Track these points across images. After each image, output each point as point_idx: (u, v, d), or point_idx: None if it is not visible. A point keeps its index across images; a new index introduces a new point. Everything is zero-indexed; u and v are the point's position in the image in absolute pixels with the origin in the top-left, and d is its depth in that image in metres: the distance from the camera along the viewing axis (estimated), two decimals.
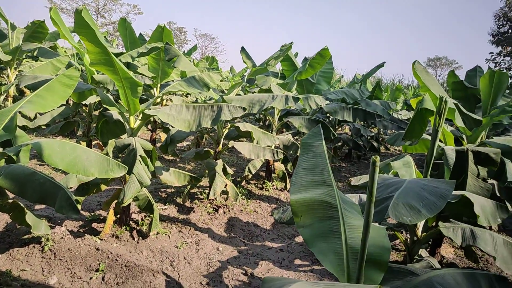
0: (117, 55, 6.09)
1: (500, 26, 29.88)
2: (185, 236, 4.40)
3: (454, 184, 2.25)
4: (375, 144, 10.58)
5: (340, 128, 14.02)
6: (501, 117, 4.98)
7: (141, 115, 4.11)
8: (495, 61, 28.60)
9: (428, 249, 4.18)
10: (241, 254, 4.20)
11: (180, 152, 8.98)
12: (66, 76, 3.48)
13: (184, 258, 3.93)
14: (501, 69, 26.96)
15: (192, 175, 4.61)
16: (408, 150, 4.89)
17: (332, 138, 7.43)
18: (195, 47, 11.53)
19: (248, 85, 9.59)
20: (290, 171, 7.75)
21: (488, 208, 2.91)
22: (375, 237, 1.76)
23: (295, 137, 10.47)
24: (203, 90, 4.56)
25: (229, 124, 5.60)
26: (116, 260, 3.57)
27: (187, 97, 9.73)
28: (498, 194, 5.07)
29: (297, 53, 9.33)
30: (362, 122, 12.10)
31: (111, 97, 4.14)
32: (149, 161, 3.82)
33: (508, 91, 7.06)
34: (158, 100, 7.05)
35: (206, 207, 5.35)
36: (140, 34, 10.14)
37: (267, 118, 9.34)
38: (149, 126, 8.02)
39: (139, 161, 3.66)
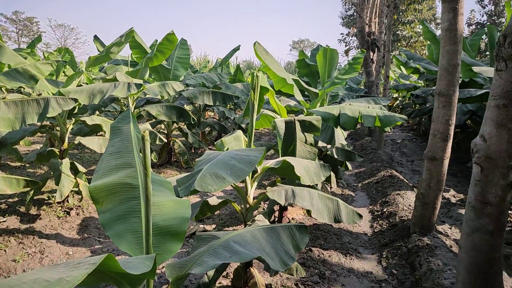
0: None
1: (347, 10, 33.66)
2: (26, 247, 3.96)
3: (263, 150, 2.46)
4: (243, 125, 11.04)
5: (212, 113, 14.26)
6: (331, 89, 5.63)
7: None
8: (346, 41, 32.24)
9: (276, 214, 4.57)
10: (95, 253, 3.98)
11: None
12: None
13: (24, 271, 3.55)
14: (351, 47, 30.60)
15: (28, 179, 4.14)
16: (255, 126, 5.20)
17: (192, 123, 7.49)
18: (39, 38, 10.24)
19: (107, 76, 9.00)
20: (155, 160, 7.59)
21: (312, 169, 3.27)
22: (177, 210, 1.82)
23: (158, 126, 10.23)
24: (30, 83, 4.09)
25: (73, 119, 5.17)
26: None
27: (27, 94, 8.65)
28: (336, 156, 5.79)
29: (156, 41, 9.04)
30: (230, 105, 12.52)
31: None
32: None
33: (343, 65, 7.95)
34: None
35: (56, 211, 4.89)
36: None
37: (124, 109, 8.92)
38: None
39: None
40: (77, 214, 4.86)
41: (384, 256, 4.16)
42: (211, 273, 2.79)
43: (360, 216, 3.10)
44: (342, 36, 32.52)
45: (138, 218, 1.73)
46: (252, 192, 3.03)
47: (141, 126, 6.25)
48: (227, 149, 3.37)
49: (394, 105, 17.30)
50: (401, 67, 13.32)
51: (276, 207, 4.76)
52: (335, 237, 4.63)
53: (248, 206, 2.99)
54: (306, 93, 6.52)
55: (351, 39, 31.76)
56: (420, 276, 3.47)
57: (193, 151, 9.55)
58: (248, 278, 3.00)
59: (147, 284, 1.57)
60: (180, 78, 7.91)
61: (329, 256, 4.11)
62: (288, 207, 5.23)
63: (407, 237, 4.28)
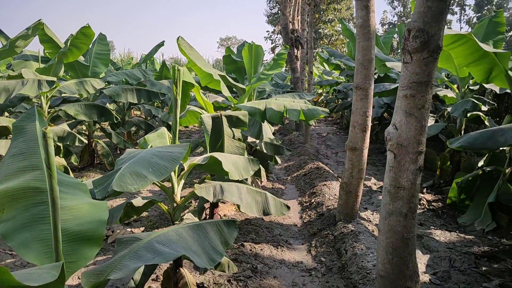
0: None
1: (272, 8, 34.40)
2: None
3: (187, 147, 2.39)
4: (170, 122, 10.74)
5: (139, 112, 13.68)
6: (257, 84, 5.69)
7: None
8: (272, 38, 32.93)
9: (207, 212, 4.51)
10: None
11: None
12: None
13: None
14: (277, 44, 31.37)
15: None
16: (183, 123, 5.07)
17: (116, 122, 7.11)
18: None
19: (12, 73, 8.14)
20: (76, 164, 7.09)
21: (240, 163, 3.26)
22: (92, 213, 1.69)
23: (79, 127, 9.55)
24: None
25: None
26: None
27: None
28: (265, 151, 5.87)
29: (71, 35, 8.38)
30: (157, 103, 12.11)
31: None
32: None
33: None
34: None
35: None
36: None
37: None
38: None
39: None
40: None
41: (313, 245, 4.32)
42: (137, 277, 2.66)
43: (288, 207, 3.17)
44: (268, 34, 33.19)
45: (48, 225, 1.57)
46: (179, 190, 2.94)
47: (56, 128, 5.77)
48: (151, 147, 3.24)
49: (319, 100, 18.10)
50: (324, 63, 13.95)
51: (207, 205, 4.70)
52: (267, 231, 4.70)
53: (175, 205, 2.89)
54: (234, 89, 6.53)
55: (276, 37, 32.50)
56: (346, 261, 3.65)
57: (118, 152, 9.07)
58: (178, 279, 2.91)
59: None
60: (100, 75, 7.44)
61: (261, 249, 4.16)
62: (220, 204, 5.19)
63: (333, 225, 4.49)
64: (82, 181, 2.07)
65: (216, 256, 1.90)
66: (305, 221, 5.05)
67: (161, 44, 8.80)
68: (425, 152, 2.39)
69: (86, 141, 7.00)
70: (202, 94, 5.68)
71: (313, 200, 5.55)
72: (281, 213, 3.08)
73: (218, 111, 4.05)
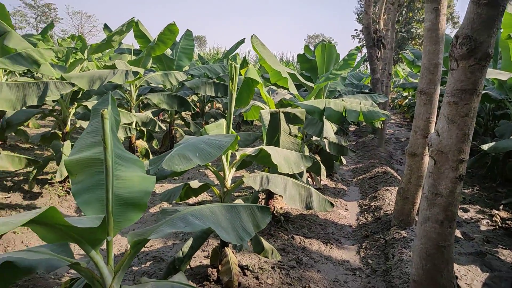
0: None
1: (362, 6, 33.26)
2: None
3: (234, 137, 2.63)
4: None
5: (219, 105, 14.46)
6: (325, 83, 5.76)
7: None
8: (359, 37, 31.96)
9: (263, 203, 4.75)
10: None
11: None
12: None
13: (22, 241, 3.83)
14: (364, 44, 30.35)
15: (30, 158, 4.41)
16: (249, 117, 5.37)
17: (194, 112, 7.70)
18: (51, 24, 10.53)
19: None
20: (156, 148, 7.84)
21: (292, 158, 3.42)
22: (141, 184, 2.01)
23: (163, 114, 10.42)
24: (33, 67, 4.34)
25: (76, 103, 5.43)
26: None
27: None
28: (328, 150, 5.93)
29: None
30: None
31: None
32: None
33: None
34: (3, 80, 6.41)
35: (57, 190, 5.17)
36: None
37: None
38: None
39: None
40: None
41: (364, 247, 4.31)
42: (185, 249, 3.00)
43: (332, 204, 3.25)
44: (356, 32, 32.30)
45: (104, 190, 1.92)
46: (230, 177, 3.21)
47: (141, 114, 6.48)
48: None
49: (402, 104, 17.23)
50: (410, 65, 13.25)
51: (262, 196, 4.94)
52: (320, 227, 4.80)
53: (225, 190, 3.17)
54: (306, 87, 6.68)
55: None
56: (391, 265, 3.62)
57: None
58: (222, 257, 3.20)
59: (107, 246, 1.77)
60: (184, 69, 8.11)
61: (310, 244, 4.28)
62: (278, 197, 5.40)
63: (387, 230, 4.42)
64: None
65: (245, 235, 2.12)
66: (360, 223, 5.02)
67: (242, 41, 9.24)
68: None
69: (167, 128, 7.70)
70: (270, 90, 5.93)
71: (372, 204, 5.47)
72: (324, 209, 3.17)
73: (281, 108, 4.24)
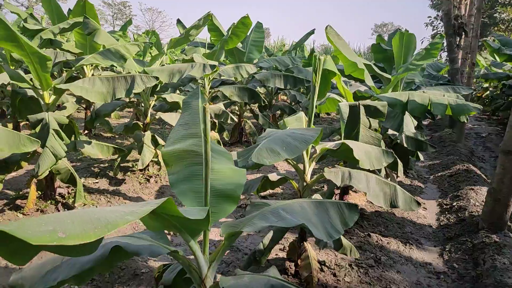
0: (37, 31, 5.93)
1: None
2: (113, 205, 4.57)
3: (319, 131, 2.57)
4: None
5: (285, 97, 14.42)
6: (404, 75, 5.44)
7: (54, 90, 4.13)
8: (433, 24, 29.89)
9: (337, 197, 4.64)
10: None
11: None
12: None
13: None
14: (439, 32, 28.35)
15: (116, 146, 4.72)
16: (323, 110, 5.26)
17: (263, 104, 7.73)
18: (129, 21, 11.23)
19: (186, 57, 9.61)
20: (226, 139, 8.02)
21: (373, 153, 3.29)
22: (233, 177, 2.04)
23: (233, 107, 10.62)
24: (120, 62, 4.61)
25: (155, 96, 5.70)
26: None
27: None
28: (405, 145, 5.63)
29: (234, 24, 9.37)
30: (302, 90, 12.55)
31: (21, 73, 4.12)
32: (64, 135, 3.90)
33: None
34: (90, 75, 6.95)
35: (138, 178, 5.51)
36: (70, 10, 9.75)
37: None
38: (84, 104, 7.91)
39: (53, 134, 3.73)
40: (156, 182, 5.42)
41: (447, 249, 4.03)
42: (266, 241, 3.02)
43: (418, 203, 3.06)
44: (430, 20, 30.16)
45: (199, 180, 1.98)
46: (310, 171, 3.16)
47: (213, 106, 6.65)
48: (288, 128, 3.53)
49: (483, 95, 15.87)
50: (494, 54, 12.10)
51: (337, 191, 4.83)
52: (397, 226, 4.58)
53: (305, 184, 3.13)
54: (380, 79, 6.37)
55: (439, 23, 29.30)
56: (482, 272, 3.34)
57: (263, 131, 9.84)
58: (301, 252, 3.17)
59: (204, 236, 1.82)
60: (254, 61, 8.17)
61: (387, 243, 4.11)
62: (351, 192, 5.25)
63: (474, 233, 4.09)
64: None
65: (334, 233, 2.06)
66: (441, 224, 4.71)
67: (311, 32, 9.07)
68: None
69: (237, 120, 7.84)
70: (344, 82, 5.75)
71: (455, 204, 5.10)
72: (410, 208, 3.00)
73: (358, 101, 4.08)
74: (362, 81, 6.68)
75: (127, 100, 6.67)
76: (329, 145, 3.15)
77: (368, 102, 3.98)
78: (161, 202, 1.20)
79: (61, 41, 7.03)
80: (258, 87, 8.62)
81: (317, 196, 3.42)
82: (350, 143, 3.09)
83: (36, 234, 0.93)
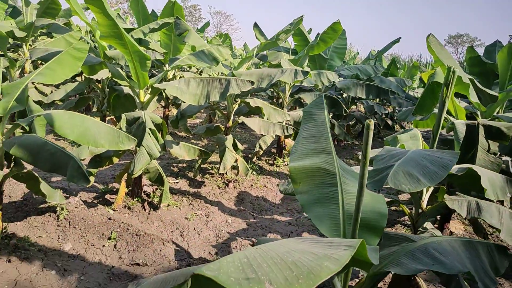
0: (129, 30, 6.11)
1: None
2: (195, 209, 4.50)
3: (457, 154, 2.22)
4: (390, 122, 10.43)
5: (354, 106, 13.86)
6: None
7: (150, 89, 4.15)
8: None
9: (436, 225, 4.18)
10: (250, 226, 4.28)
11: (193, 129, 9.05)
12: (75, 48, 3.52)
13: (194, 229, 4.04)
14: None
15: (202, 149, 4.66)
16: (420, 125, 4.81)
17: (344, 114, 7.37)
18: (207, 23, 11.44)
19: (261, 62, 9.53)
20: None
21: (497, 182, 2.86)
22: (373, 204, 1.78)
23: None
24: (212, 64, 4.55)
25: (239, 100, 5.60)
26: (128, 229, 3.69)
27: (200, 74, 9.73)
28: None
29: (310, 29, 9.15)
30: (376, 100, 11.95)
31: (121, 71, 4.18)
32: (159, 134, 3.88)
33: None
34: (171, 76, 7.08)
35: (216, 181, 5.43)
36: (153, 11, 10.12)
37: (280, 95, 9.31)
38: (162, 103, 8.08)
39: (149, 133, 3.72)
40: (234, 187, 5.30)
41: None
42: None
43: None
44: None
45: (335, 205, 1.74)
46: (427, 197, 2.81)
47: (294, 113, 6.42)
48: (402, 146, 3.19)
49: None
50: None
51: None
52: None
53: (420, 211, 2.78)
54: (479, 94, 5.76)
55: None
56: None
57: (335, 143, 9.45)
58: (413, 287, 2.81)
59: (346, 273, 1.57)
60: (334, 68, 7.85)
61: None
62: (454, 218, 4.75)
63: None
64: None
65: (489, 282, 1.72)
66: None
67: (397, 40, 8.54)
68: None
69: None
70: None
71: None
72: None
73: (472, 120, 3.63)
74: (461, 96, 6.12)
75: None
76: (451, 169, 2.77)
77: (488, 122, 3.52)
78: (357, 246, 0.97)
79: (148, 41, 7.24)
80: (334, 95, 8.28)
81: (427, 226, 3.03)
82: (477, 169, 2.69)
83: (240, 283, 0.74)
